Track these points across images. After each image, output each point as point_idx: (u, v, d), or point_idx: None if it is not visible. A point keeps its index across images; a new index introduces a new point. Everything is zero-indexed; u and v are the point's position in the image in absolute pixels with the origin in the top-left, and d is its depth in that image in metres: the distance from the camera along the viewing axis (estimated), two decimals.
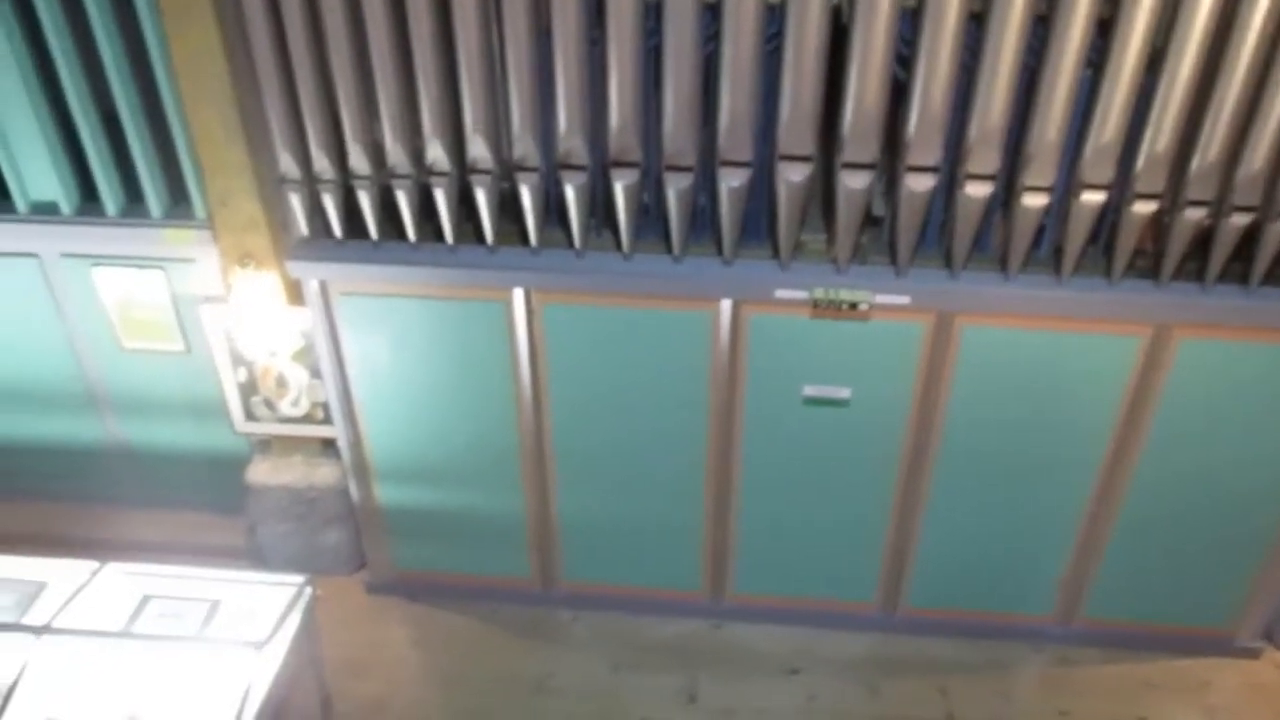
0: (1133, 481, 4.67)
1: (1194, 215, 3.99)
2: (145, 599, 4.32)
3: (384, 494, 5.23)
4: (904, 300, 4.27)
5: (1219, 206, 3.99)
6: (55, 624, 4.04)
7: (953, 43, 3.67)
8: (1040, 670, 5.19)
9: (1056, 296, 4.23)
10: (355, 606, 5.50)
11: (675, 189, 4.09)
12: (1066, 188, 4.05)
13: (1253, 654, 5.25)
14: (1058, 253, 4.24)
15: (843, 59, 3.79)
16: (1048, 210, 4.07)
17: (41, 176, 4.90)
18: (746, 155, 4.00)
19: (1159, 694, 5.06)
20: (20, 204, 4.98)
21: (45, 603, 4.25)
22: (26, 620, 4.14)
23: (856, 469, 4.80)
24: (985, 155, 3.89)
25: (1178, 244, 4.08)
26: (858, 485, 4.85)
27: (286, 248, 4.65)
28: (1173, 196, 4.01)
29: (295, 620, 4.21)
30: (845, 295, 4.26)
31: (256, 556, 5.62)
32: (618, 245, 4.35)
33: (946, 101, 3.80)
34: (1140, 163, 3.90)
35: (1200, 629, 5.20)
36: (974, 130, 3.86)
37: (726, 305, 4.38)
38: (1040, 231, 4.25)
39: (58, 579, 4.38)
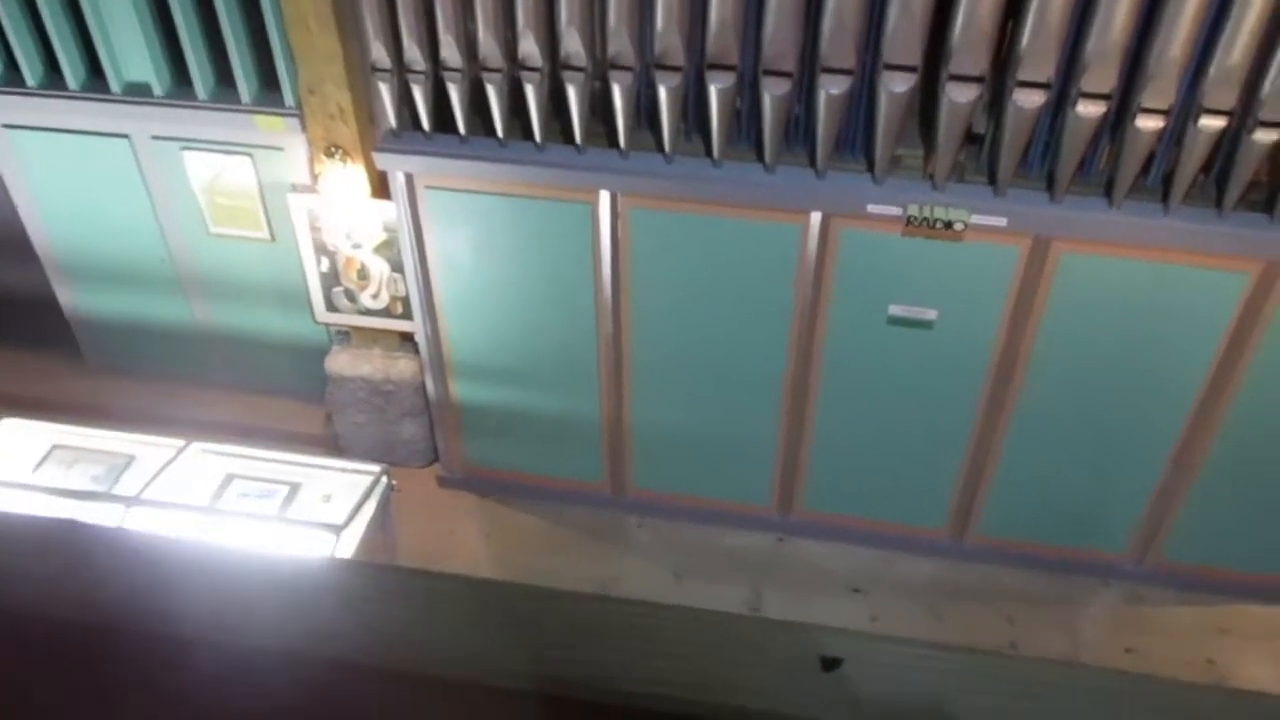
0: (1224, 423, 4.53)
1: None
2: (229, 478, 4.45)
3: (460, 390, 5.28)
4: (1001, 222, 4.14)
5: None
6: (144, 496, 4.18)
7: None
8: (1109, 607, 5.13)
9: (1163, 226, 4.06)
10: (427, 499, 5.60)
11: (771, 95, 3.97)
12: (1184, 111, 3.85)
13: None
14: (1167, 181, 4.06)
15: None
16: (1161, 135, 3.88)
17: (135, 56, 4.91)
18: (849, 63, 3.86)
19: (1230, 639, 4.98)
20: (114, 83, 5.01)
21: (134, 475, 4.40)
22: (117, 491, 4.29)
23: (937, 393, 4.72)
24: (1102, 73, 3.71)
25: None
26: (937, 409, 4.78)
27: (374, 139, 4.63)
28: None
29: (371, 508, 4.31)
30: (940, 213, 4.14)
31: (334, 445, 5.74)
32: (708, 151, 4.26)
33: (1065, 13, 3.62)
34: (1267, 87, 3.69)
35: None
36: (1091, 45, 3.67)
37: (816, 218, 4.28)
38: (1150, 157, 4.06)
39: (146, 454, 4.53)
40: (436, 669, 0.81)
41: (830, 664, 0.79)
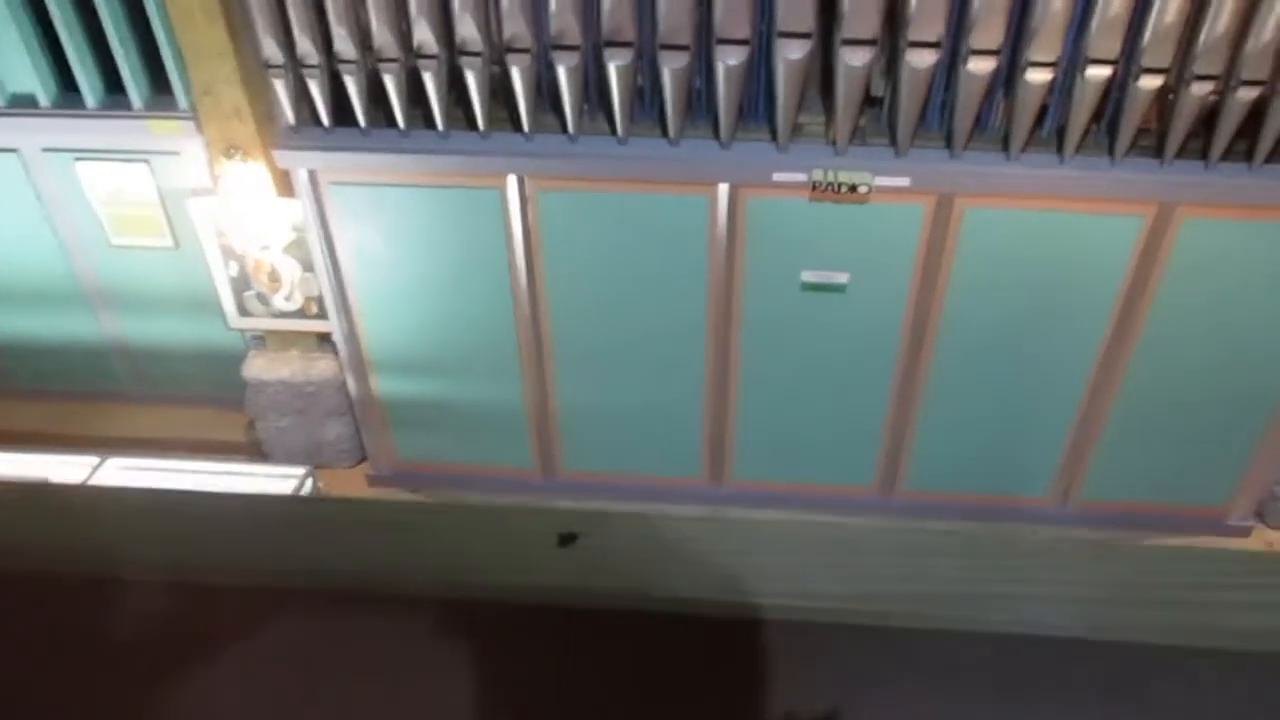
0: (1132, 362, 4.67)
1: (1200, 90, 3.90)
2: None
3: (383, 386, 5.23)
4: (904, 182, 4.21)
5: (1226, 80, 3.90)
6: None
7: None
8: None
9: (1059, 176, 4.16)
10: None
11: (670, 69, 3.98)
12: (1071, 63, 3.95)
13: (1243, 533, 5.33)
14: (1060, 132, 4.16)
15: None
16: (1051, 87, 3.98)
17: (17, 67, 4.75)
18: (744, 33, 3.89)
19: None
20: None
21: None
22: None
23: (856, 354, 4.80)
24: (989, 29, 3.79)
25: (1182, 120, 4.00)
26: (857, 370, 4.85)
27: (273, 137, 4.55)
28: (1179, 71, 3.92)
29: None
30: (844, 177, 4.19)
31: (258, 451, 5.65)
32: (612, 129, 4.26)
33: None
34: (1147, 36, 3.80)
35: (1194, 509, 5.26)
36: (978, 2, 3.74)
37: (724, 189, 4.31)
38: (1043, 110, 4.16)
39: (59, 475, 4.41)
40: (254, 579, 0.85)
41: (566, 539, 0.84)
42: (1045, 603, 0.78)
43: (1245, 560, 0.79)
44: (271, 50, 4.18)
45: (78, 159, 4.96)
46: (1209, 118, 4.04)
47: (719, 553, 0.83)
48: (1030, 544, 0.84)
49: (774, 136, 4.21)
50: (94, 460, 4.43)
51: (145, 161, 4.92)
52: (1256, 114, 3.98)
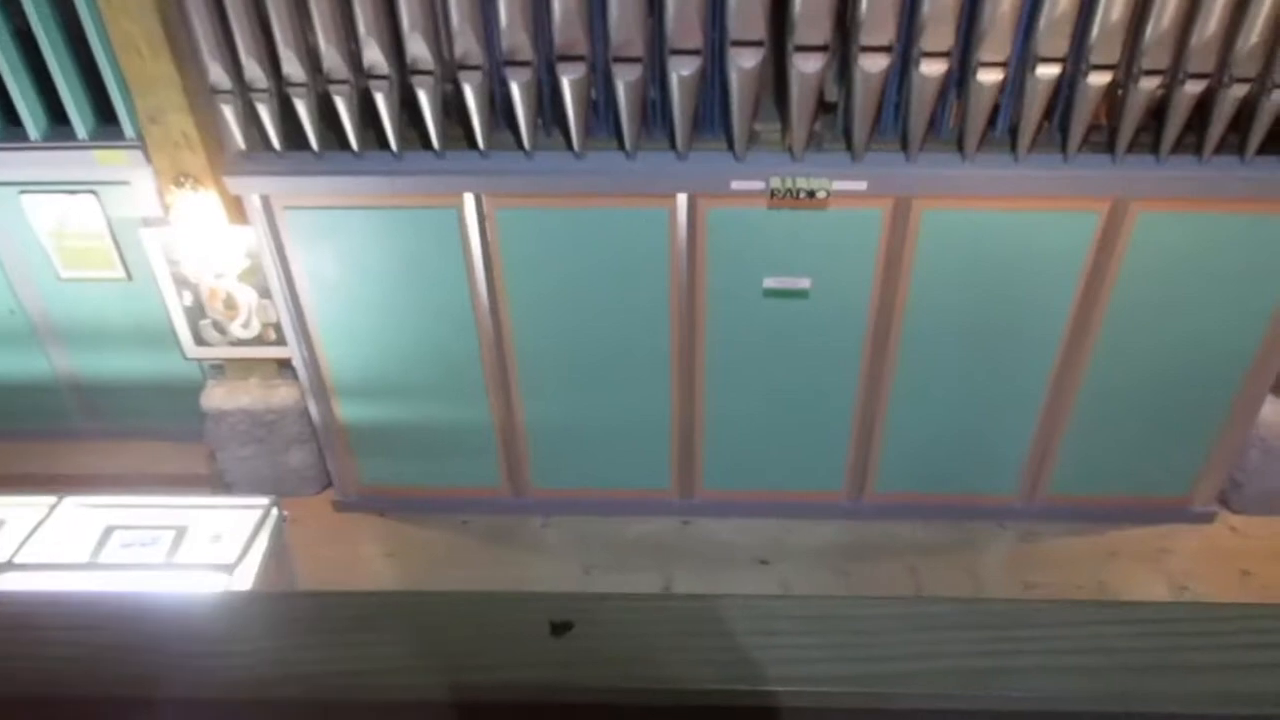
0: (1093, 356, 4.72)
1: (1148, 85, 3.95)
2: (108, 530, 4.26)
3: (345, 411, 5.16)
4: (861, 186, 4.22)
5: (1173, 75, 3.96)
6: (16, 560, 3.97)
7: None
8: (1006, 547, 5.30)
9: (1014, 175, 4.19)
10: (324, 526, 5.47)
11: (624, 81, 3.97)
12: (1021, 62, 3.99)
13: (1208, 519, 5.39)
14: (1013, 131, 4.20)
15: None
16: (1003, 87, 4.01)
17: None
18: (696, 43, 3.88)
19: (1120, 562, 5.20)
20: None
21: (4, 540, 4.17)
22: None
23: (820, 359, 4.80)
24: (939, 31, 3.81)
25: (1132, 115, 4.05)
26: (822, 376, 4.86)
27: (224, 163, 4.48)
28: (1127, 66, 3.97)
29: (264, 541, 4.17)
30: (802, 184, 4.20)
31: (220, 482, 5.55)
32: (568, 144, 4.24)
33: None
34: (1095, 33, 3.84)
35: (1158, 498, 5.32)
36: (927, 5, 3.77)
37: (683, 200, 4.30)
38: (996, 110, 4.20)
39: (15, 516, 4.29)
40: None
41: (560, 628, 0.79)
42: (1062, 674, 0.75)
43: (1271, 617, 0.78)
44: (218, 75, 4.12)
45: (23, 192, 4.85)
46: (1158, 112, 4.09)
47: (722, 635, 0.79)
48: (1041, 611, 0.82)
49: (730, 145, 4.21)
50: (51, 500, 4.30)
51: (93, 192, 4.83)
52: (1203, 107, 4.04)
